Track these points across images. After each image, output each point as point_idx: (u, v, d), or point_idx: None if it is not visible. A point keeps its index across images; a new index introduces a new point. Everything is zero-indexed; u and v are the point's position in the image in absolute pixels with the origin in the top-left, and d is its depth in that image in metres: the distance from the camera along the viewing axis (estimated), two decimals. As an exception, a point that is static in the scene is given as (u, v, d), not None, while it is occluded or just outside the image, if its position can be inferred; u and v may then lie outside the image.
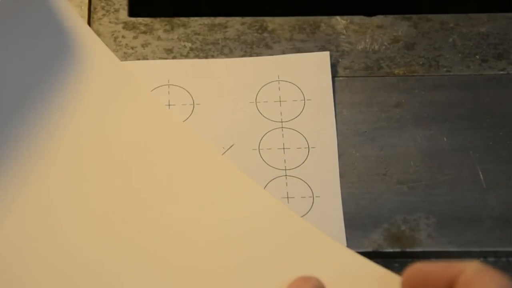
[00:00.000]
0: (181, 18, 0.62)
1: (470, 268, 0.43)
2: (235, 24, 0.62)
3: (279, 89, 0.59)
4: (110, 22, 0.61)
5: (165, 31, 0.61)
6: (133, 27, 0.61)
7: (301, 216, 0.54)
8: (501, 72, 0.60)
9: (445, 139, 0.57)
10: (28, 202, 0.53)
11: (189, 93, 0.58)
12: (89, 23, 0.61)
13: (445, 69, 0.60)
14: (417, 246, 0.54)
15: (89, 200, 0.54)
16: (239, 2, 0.75)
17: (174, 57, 0.60)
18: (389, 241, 0.54)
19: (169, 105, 0.58)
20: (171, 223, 0.53)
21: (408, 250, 0.54)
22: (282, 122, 0.58)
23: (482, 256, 0.54)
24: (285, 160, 0.56)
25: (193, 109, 0.58)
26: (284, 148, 0.57)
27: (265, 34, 0.61)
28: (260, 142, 0.57)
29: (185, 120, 0.57)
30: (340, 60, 0.60)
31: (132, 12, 0.62)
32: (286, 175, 0.56)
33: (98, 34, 0.60)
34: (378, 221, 0.55)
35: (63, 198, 0.54)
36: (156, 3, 0.72)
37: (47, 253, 0.52)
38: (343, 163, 0.56)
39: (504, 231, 0.54)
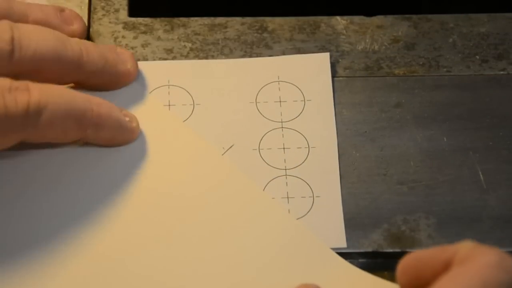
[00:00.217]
0: (181, 18, 0.62)
1: (464, 247, 0.44)
2: (235, 24, 0.62)
3: (279, 89, 0.59)
4: (110, 22, 0.61)
5: (165, 31, 0.61)
6: (133, 27, 0.61)
7: (302, 216, 0.54)
8: (501, 72, 0.60)
9: (445, 139, 0.57)
10: None
11: (189, 93, 0.59)
12: (89, 23, 0.61)
13: (445, 69, 0.60)
14: (417, 246, 0.54)
15: (89, 199, 0.54)
16: (239, 2, 0.75)
17: (174, 57, 0.60)
18: (389, 241, 0.54)
19: (169, 105, 0.58)
20: (170, 222, 0.53)
21: (408, 250, 0.54)
22: (282, 122, 0.58)
23: (482, 256, 0.54)
24: (285, 160, 0.56)
25: (193, 109, 0.58)
26: (284, 148, 0.57)
27: (265, 34, 0.61)
28: (260, 142, 0.57)
29: (185, 120, 0.57)
30: (340, 60, 0.60)
31: (132, 12, 0.62)
32: (286, 175, 0.56)
33: (98, 34, 0.60)
34: (378, 221, 0.55)
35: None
36: (156, 3, 0.72)
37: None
38: (343, 163, 0.57)
39: (504, 231, 0.54)
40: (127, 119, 0.55)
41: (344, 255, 0.53)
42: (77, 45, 0.55)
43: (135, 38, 0.61)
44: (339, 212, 0.55)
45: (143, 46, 0.60)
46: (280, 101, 0.58)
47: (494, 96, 0.59)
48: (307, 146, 0.57)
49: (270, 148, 0.57)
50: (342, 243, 0.53)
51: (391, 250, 0.54)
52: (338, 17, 0.62)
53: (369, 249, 0.54)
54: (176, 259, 0.52)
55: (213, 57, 0.60)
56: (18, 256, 0.51)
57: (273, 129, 0.58)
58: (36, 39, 0.53)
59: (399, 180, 0.56)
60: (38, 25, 0.54)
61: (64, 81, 0.55)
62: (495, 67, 0.60)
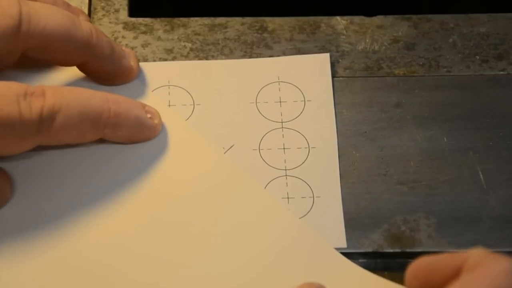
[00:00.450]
0: (181, 18, 0.62)
1: (475, 254, 0.44)
2: (235, 24, 0.62)
3: (279, 90, 0.59)
4: (110, 22, 0.61)
5: (165, 31, 0.61)
6: (133, 27, 0.61)
7: (302, 217, 0.54)
8: (501, 73, 0.60)
9: (445, 139, 0.57)
10: None
11: (189, 93, 0.59)
12: (89, 23, 0.61)
13: (445, 69, 0.60)
14: (417, 246, 0.54)
15: (88, 200, 0.54)
16: (239, 2, 0.75)
17: (174, 58, 0.60)
18: (389, 241, 0.54)
19: (169, 105, 0.58)
20: (172, 220, 0.53)
21: (408, 250, 0.54)
22: (282, 122, 0.58)
23: (482, 256, 0.54)
24: (285, 160, 0.57)
25: (193, 110, 0.58)
26: (284, 148, 0.57)
27: (265, 35, 0.61)
28: (260, 142, 0.57)
29: (185, 121, 0.57)
30: (340, 60, 0.60)
31: (132, 12, 0.62)
32: (286, 175, 0.56)
33: (98, 34, 0.60)
34: (378, 221, 0.55)
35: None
36: (156, 3, 0.72)
37: None
38: (343, 163, 0.57)
39: (504, 232, 0.54)
40: (148, 115, 0.55)
41: (344, 255, 0.53)
42: (88, 27, 0.54)
43: (135, 38, 0.61)
44: (339, 212, 0.55)
45: (143, 46, 0.60)
46: (280, 101, 0.58)
47: (494, 96, 0.59)
48: (307, 146, 0.57)
49: (270, 148, 0.57)
50: (342, 243, 0.54)
51: (391, 250, 0.54)
52: (338, 17, 0.62)
53: (369, 249, 0.54)
54: (178, 258, 0.52)
55: (213, 57, 0.60)
56: (27, 247, 0.51)
57: (273, 129, 0.58)
58: (46, 15, 0.52)
59: (399, 180, 0.56)
60: (48, 4, 0.54)
61: (70, 60, 0.55)
62: (495, 67, 0.60)
